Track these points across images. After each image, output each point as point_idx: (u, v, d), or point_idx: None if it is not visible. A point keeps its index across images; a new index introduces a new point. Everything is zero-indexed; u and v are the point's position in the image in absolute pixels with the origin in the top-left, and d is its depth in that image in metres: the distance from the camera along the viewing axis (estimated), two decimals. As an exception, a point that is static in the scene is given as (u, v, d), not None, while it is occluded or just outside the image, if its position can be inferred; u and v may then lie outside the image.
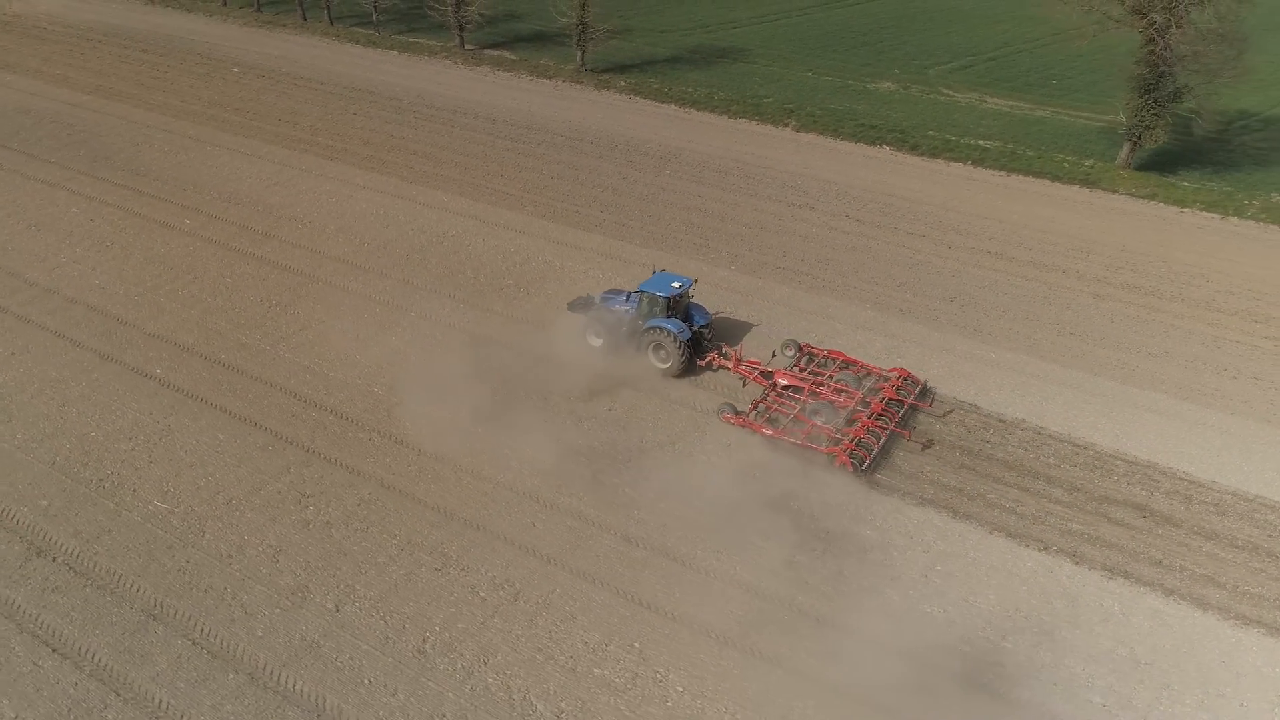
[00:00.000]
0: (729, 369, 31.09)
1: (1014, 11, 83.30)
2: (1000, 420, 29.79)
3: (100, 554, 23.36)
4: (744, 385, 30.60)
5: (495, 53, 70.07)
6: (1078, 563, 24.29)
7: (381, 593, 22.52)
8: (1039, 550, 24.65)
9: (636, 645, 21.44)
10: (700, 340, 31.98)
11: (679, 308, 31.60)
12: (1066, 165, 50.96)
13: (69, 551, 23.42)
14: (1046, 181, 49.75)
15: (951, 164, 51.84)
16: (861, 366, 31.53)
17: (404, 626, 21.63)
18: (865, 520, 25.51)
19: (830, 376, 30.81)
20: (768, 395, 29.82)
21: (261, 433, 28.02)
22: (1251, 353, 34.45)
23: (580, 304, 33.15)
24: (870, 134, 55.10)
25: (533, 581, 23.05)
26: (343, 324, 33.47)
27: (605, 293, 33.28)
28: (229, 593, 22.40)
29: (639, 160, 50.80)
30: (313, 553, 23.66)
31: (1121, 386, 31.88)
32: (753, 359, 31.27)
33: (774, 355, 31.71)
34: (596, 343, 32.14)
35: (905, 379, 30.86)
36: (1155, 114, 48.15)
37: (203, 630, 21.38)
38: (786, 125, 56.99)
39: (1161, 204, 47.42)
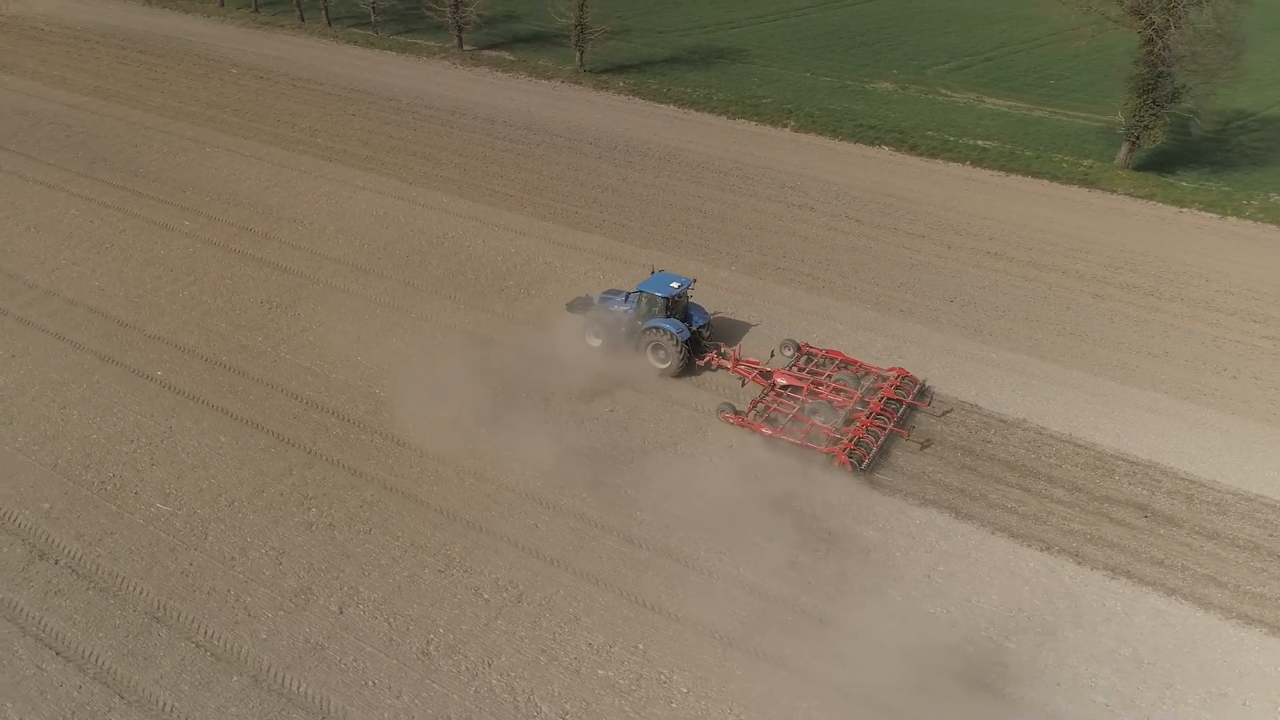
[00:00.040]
0: (728, 369, 31.13)
1: (1011, 12, 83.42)
2: (1001, 420, 29.85)
3: (103, 556, 23.34)
4: (743, 385, 30.64)
5: (494, 53, 70.04)
6: (1080, 563, 24.35)
7: (385, 595, 22.52)
8: (1041, 550, 24.70)
9: (640, 646, 21.46)
10: (699, 340, 32.02)
11: (678, 308, 31.63)
12: (1065, 165, 51.05)
13: (71, 554, 23.39)
14: (1045, 181, 49.83)
15: (950, 164, 51.91)
16: (860, 366, 31.59)
17: (408, 628, 21.63)
18: (867, 521, 25.55)
19: (829, 376, 30.86)
20: (766, 395, 29.87)
21: (263, 435, 28.01)
22: (1251, 352, 34.54)
23: (579, 304, 33.17)
24: (869, 134, 55.16)
25: (536, 583, 23.06)
26: (343, 325, 33.46)
27: (604, 293, 33.32)
28: (232, 595, 22.39)
29: (638, 161, 50.82)
30: (316, 555, 23.65)
31: (1122, 386, 31.95)
32: (751, 359, 31.31)
33: (772, 355, 31.77)
34: (595, 343, 32.16)
35: (904, 378, 30.91)
36: (1154, 114, 48.24)
37: (206, 633, 21.37)
38: (785, 126, 57.04)
39: (1160, 204, 47.52)
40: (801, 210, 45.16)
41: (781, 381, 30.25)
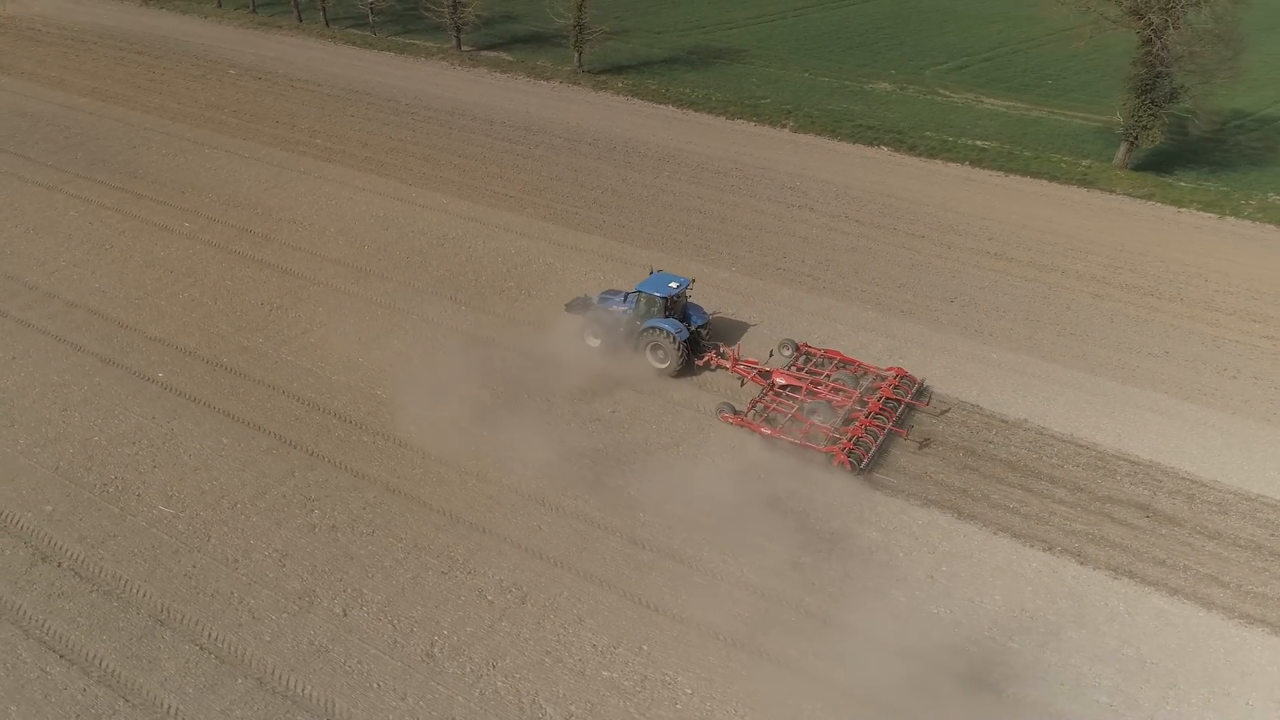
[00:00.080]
0: (727, 369, 31.17)
1: (1008, 12, 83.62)
2: (1003, 421, 29.90)
3: (106, 559, 23.31)
4: (742, 385, 30.70)
5: (492, 54, 70.01)
6: (1082, 563, 24.41)
7: (389, 596, 22.52)
8: (1044, 550, 24.76)
9: (645, 648, 21.48)
10: (698, 340, 32.06)
11: (676, 308, 31.67)
12: (1064, 165, 51.14)
13: (74, 557, 23.36)
14: (1044, 182, 49.91)
15: (949, 164, 51.98)
16: (858, 366, 31.64)
17: (412, 630, 21.63)
18: (870, 521, 25.59)
19: (827, 376, 30.91)
20: (765, 395, 29.92)
21: (265, 436, 27.99)
22: (1251, 352, 34.62)
23: (578, 305, 33.19)
24: (868, 134, 55.21)
25: (540, 584, 23.07)
26: (345, 327, 33.45)
27: (603, 293, 33.35)
28: (236, 597, 22.37)
29: (638, 162, 50.83)
30: (319, 556, 23.64)
31: (1122, 386, 32.02)
32: (750, 358, 31.35)
33: (771, 355, 31.80)
34: (594, 343, 32.19)
35: (902, 378, 30.97)
36: (1152, 114, 48.34)
37: (210, 635, 21.35)
38: (784, 126, 57.08)
39: (1159, 204, 47.62)
40: (801, 211, 45.21)
41: (780, 381, 30.30)
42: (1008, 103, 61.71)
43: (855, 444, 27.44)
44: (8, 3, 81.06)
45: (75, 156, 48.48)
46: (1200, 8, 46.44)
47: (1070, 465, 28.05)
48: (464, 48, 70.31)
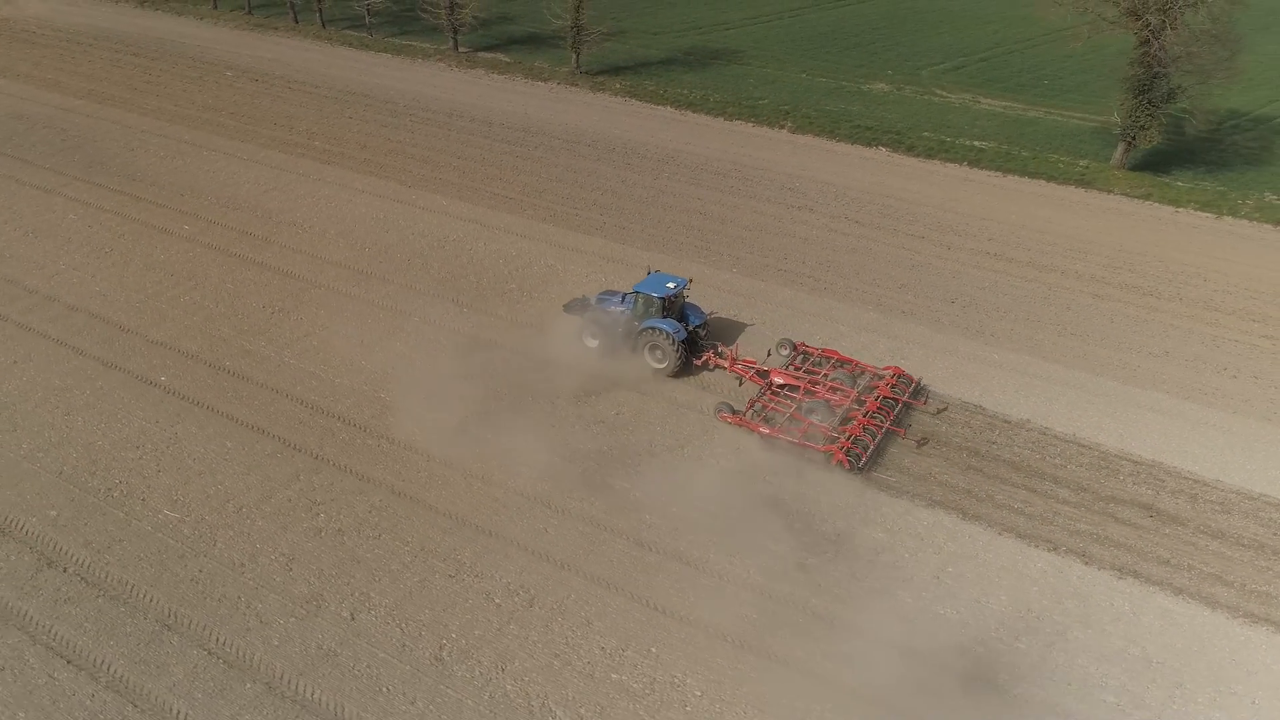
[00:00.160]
0: (725, 368, 31.22)
1: (1003, 13, 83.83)
2: (1005, 421, 29.99)
3: (112, 564, 23.27)
4: (740, 384, 30.76)
5: (489, 55, 69.94)
6: (1087, 563, 24.50)
7: (396, 600, 22.51)
8: (1049, 551, 24.84)
9: (653, 650, 21.50)
10: (696, 340, 32.11)
11: (674, 308, 31.72)
12: (1062, 166, 51.28)
13: (80, 562, 23.31)
14: (1042, 182, 50.03)
15: (948, 165, 52.09)
16: (856, 365, 31.71)
17: (420, 634, 21.63)
18: (875, 522, 25.65)
19: (825, 375, 30.98)
20: (764, 394, 29.97)
21: (269, 440, 27.95)
22: (1250, 351, 34.77)
23: (576, 306, 33.22)
24: (866, 135, 55.28)
25: (547, 587, 23.08)
26: (347, 330, 33.42)
27: (600, 294, 33.39)
28: (243, 602, 22.35)
29: (637, 163, 50.85)
30: (326, 560, 23.62)
31: (1124, 386, 32.13)
32: (749, 358, 31.41)
33: (769, 354, 31.85)
34: (593, 344, 32.22)
35: (899, 377, 31.05)
36: (1150, 114, 48.49)
37: (218, 640, 21.32)
38: (783, 127, 57.15)
39: (1157, 204, 47.76)
40: (801, 211, 45.27)
41: (778, 380, 30.38)
42: (1004, 103, 61.85)
43: (853, 443, 27.53)
44: (2, 5, 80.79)
45: (73, 159, 48.35)
46: (1197, 8, 46.60)
47: (1073, 465, 28.15)
48: (461, 49, 70.25)
